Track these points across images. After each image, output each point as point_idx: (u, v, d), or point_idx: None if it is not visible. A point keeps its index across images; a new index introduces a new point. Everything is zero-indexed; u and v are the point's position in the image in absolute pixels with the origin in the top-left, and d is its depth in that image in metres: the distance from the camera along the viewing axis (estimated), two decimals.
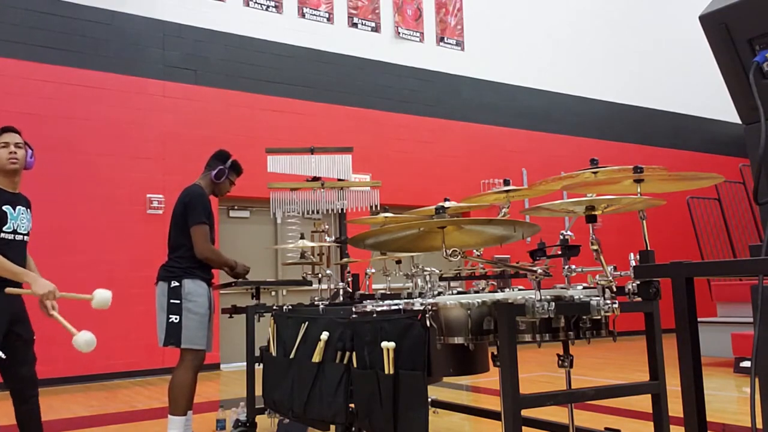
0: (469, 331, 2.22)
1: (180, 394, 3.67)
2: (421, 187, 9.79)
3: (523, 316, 2.03)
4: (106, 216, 7.66)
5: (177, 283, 3.74)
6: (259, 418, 4.01)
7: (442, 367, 2.45)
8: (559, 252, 2.23)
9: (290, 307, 3.47)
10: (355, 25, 9.87)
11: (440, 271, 3.38)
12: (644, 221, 2.12)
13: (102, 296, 2.96)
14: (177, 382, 3.69)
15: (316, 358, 2.98)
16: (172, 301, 3.72)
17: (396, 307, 2.52)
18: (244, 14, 8.96)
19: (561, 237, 2.24)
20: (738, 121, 1.83)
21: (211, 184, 3.99)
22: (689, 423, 1.68)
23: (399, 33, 10.25)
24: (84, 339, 2.90)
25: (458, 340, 2.25)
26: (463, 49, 10.85)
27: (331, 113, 9.35)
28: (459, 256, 2.14)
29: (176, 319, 3.69)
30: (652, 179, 2.18)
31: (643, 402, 2.58)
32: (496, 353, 2.06)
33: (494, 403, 4.69)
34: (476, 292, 3.13)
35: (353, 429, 2.83)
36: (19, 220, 3.14)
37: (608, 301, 2.08)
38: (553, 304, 2.05)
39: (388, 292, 3.54)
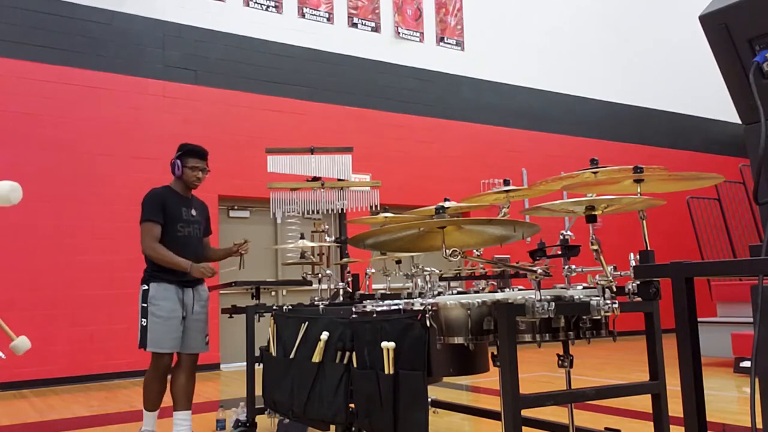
0: (469, 331, 2.22)
1: (145, 392, 3.85)
2: (421, 187, 9.79)
3: (523, 316, 2.03)
4: (106, 216, 7.66)
5: (146, 287, 3.82)
6: (259, 418, 4.01)
7: (442, 367, 2.45)
8: (559, 252, 2.23)
9: (290, 307, 3.48)
10: (355, 25, 9.87)
11: (440, 271, 3.37)
12: (644, 221, 2.12)
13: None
14: (144, 382, 3.87)
15: (316, 358, 2.98)
16: (142, 304, 3.81)
17: (396, 307, 2.52)
18: (244, 14, 8.97)
19: (561, 237, 2.24)
20: (738, 121, 1.83)
21: (177, 180, 4.01)
22: (689, 423, 1.68)
23: (399, 33, 10.25)
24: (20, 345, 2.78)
25: (458, 340, 2.25)
26: (463, 49, 10.85)
27: (331, 113, 9.35)
28: (459, 256, 2.14)
29: (144, 322, 3.79)
30: (652, 179, 2.18)
31: (643, 402, 2.59)
32: (496, 353, 2.06)
33: (494, 403, 4.69)
34: (476, 292, 3.13)
35: (353, 429, 2.83)
36: None
37: (608, 301, 2.08)
38: (553, 304, 2.05)
39: (388, 292, 3.54)
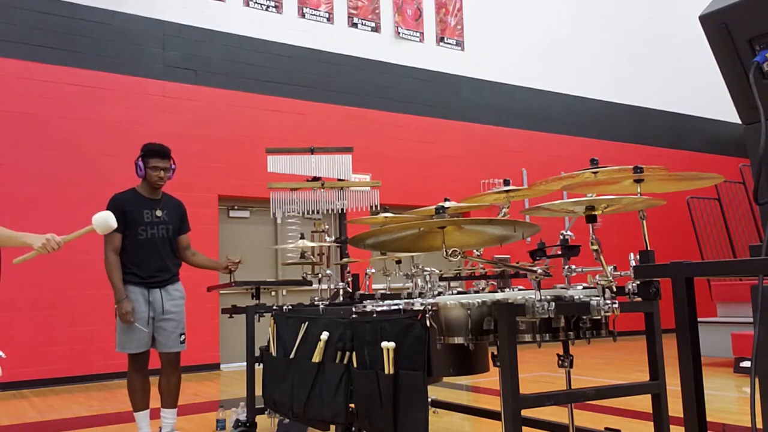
0: (469, 331, 2.22)
1: (128, 392, 3.88)
2: (421, 187, 9.79)
3: (523, 316, 2.03)
4: None
5: None
6: (259, 418, 4.01)
7: (442, 367, 2.45)
8: (559, 252, 2.23)
9: (290, 307, 3.47)
10: (355, 25, 9.87)
11: (440, 271, 3.37)
12: (644, 221, 2.12)
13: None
14: (126, 383, 3.90)
15: (316, 358, 2.98)
16: (115, 305, 3.82)
17: (396, 307, 2.52)
18: (244, 14, 8.97)
19: (561, 237, 2.24)
20: (738, 121, 1.83)
21: (142, 181, 4.03)
22: (689, 423, 1.68)
23: (399, 33, 10.25)
24: (100, 219, 2.86)
25: (458, 340, 2.25)
26: (463, 49, 10.86)
27: (331, 113, 9.35)
28: (459, 256, 2.14)
29: (116, 324, 3.82)
30: (652, 179, 2.18)
31: (643, 402, 2.59)
32: (496, 353, 2.06)
33: (494, 403, 4.69)
34: (476, 292, 3.13)
35: (353, 429, 2.83)
36: None
37: (608, 301, 2.08)
38: (553, 304, 2.05)
39: (388, 292, 3.54)
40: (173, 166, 4.02)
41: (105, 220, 2.93)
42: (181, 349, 3.90)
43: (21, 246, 2.86)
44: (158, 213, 3.96)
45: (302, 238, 4.04)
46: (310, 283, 4.14)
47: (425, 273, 3.02)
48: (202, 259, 4.23)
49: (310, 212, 4.89)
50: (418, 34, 10.43)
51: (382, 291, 3.59)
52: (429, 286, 2.98)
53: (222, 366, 8.16)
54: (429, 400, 2.96)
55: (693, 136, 13.34)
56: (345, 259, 4.15)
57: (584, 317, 2.19)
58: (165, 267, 3.92)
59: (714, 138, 13.63)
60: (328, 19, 9.64)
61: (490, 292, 3.07)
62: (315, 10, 9.53)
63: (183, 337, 3.91)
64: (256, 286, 4.29)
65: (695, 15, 2.11)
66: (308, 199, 4.90)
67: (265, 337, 3.63)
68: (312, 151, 4.95)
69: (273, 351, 3.46)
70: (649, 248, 2.07)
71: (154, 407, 3.94)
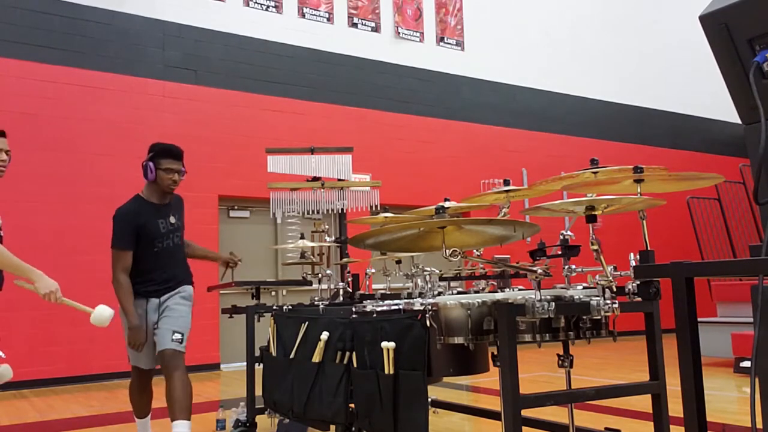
0: (469, 331, 2.22)
1: (129, 399, 3.79)
2: (421, 187, 9.79)
3: (523, 316, 2.03)
4: (106, 216, 7.63)
5: None
6: (259, 418, 4.01)
7: (442, 367, 2.45)
8: (559, 252, 2.23)
9: (290, 307, 3.47)
10: (355, 25, 9.87)
11: (440, 271, 3.37)
12: (644, 221, 2.12)
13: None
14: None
15: (316, 358, 2.98)
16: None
17: (396, 307, 2.52)
18: (244, 14, 8.97)
19: (561, 237, 2.24)
20: (738, 121, 1.83)
21: (150, 185, 3.63)
22: (689, 423, 1.68)
23: (399, 33, 10.25)
24: (101, 316, 2.86)
25: (458, 340, 2.25)
26: (463, 49, 10.85)
27: (331, 113, 9.35)
28: (459, 256, 2.14)
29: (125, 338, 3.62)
30: (652, 179, 2.18)
31: (643, 402, 2.59)
32: (496, 353, 2.06)
33: (494, 403, 4.69)
34: (476, 292, 3.13)
35: (353, 429, 2.83)
36: None
37: (608, 301, 2.08)
38: (553, 304, 2.05)
39: (388, 292, 3.54)
40: (184, 168, 3.68)
41: (105, 319, 2.91)
42: (173, 347, 3.42)
43: (25, 278, 2.85)
44: (171, 220, 3.65)
45: (302, 238, 4.03)
46: (310, 283, 4.14)
47: (425, 273, 3.02)
48: (197, 249, 4.01)
49: (310, 212, 4.89)
50: (418, 34, 10.43)
51: (382, 291, 3.58)
52: (429, 286, 2.98)
53: (222, 366, 8.16)
54: (429, 400, 2.96)
55: (693, 136, 13.34)
56: (345, 259, 4.14)
57: (584, 317, 2.19)
58: (173, 276, 3.65)
59: (714, 138, 13.63)
60: (328, 19, 9.63)
61: (490, 292, 3.06)
62: (315, 10, 9.53)
63: (177, 336, 3.47)
64: (256, 286, 4.28)
65: (695, 15, 2.11)
66: (308, 199, 4.90)
67: (265, 337, 3.63)
68: (312, 151, 4.95)
69: (273, 351, 3.46)
70: (649, 248, 2.07)
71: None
